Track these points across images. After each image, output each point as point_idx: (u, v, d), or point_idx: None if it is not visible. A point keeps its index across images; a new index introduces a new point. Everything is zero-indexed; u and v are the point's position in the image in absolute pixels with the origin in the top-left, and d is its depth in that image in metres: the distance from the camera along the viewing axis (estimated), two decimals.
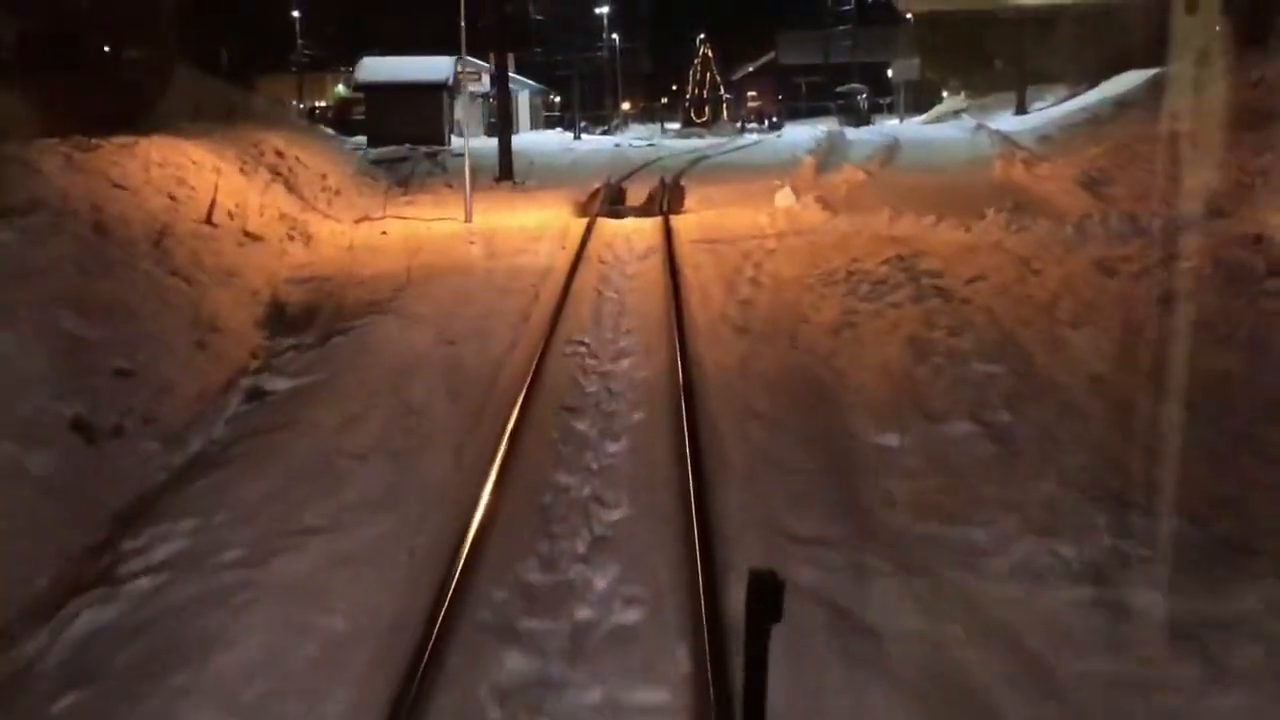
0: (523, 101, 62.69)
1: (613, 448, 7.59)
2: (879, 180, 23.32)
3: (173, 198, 15.58)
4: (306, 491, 6.66)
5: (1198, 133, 19.05)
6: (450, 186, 24.52)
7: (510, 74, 63.55)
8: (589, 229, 17.43)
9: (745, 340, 10.27)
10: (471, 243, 16.65)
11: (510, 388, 8.78)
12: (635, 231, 17.48)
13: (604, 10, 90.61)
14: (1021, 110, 43.69)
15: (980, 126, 37.32)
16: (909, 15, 78.39)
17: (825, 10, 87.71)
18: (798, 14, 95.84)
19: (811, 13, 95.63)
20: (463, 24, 20.37)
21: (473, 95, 56.87)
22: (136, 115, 20.96)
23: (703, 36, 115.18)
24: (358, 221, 19.41)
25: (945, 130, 41.10)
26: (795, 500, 6.50)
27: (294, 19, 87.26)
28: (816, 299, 11.92)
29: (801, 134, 45.18)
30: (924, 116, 61.92)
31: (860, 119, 68.07)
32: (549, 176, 26.88)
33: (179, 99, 24.36)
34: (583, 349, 10.20)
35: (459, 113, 61.26)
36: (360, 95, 52.06)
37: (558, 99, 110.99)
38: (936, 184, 22.19)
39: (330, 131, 43.73)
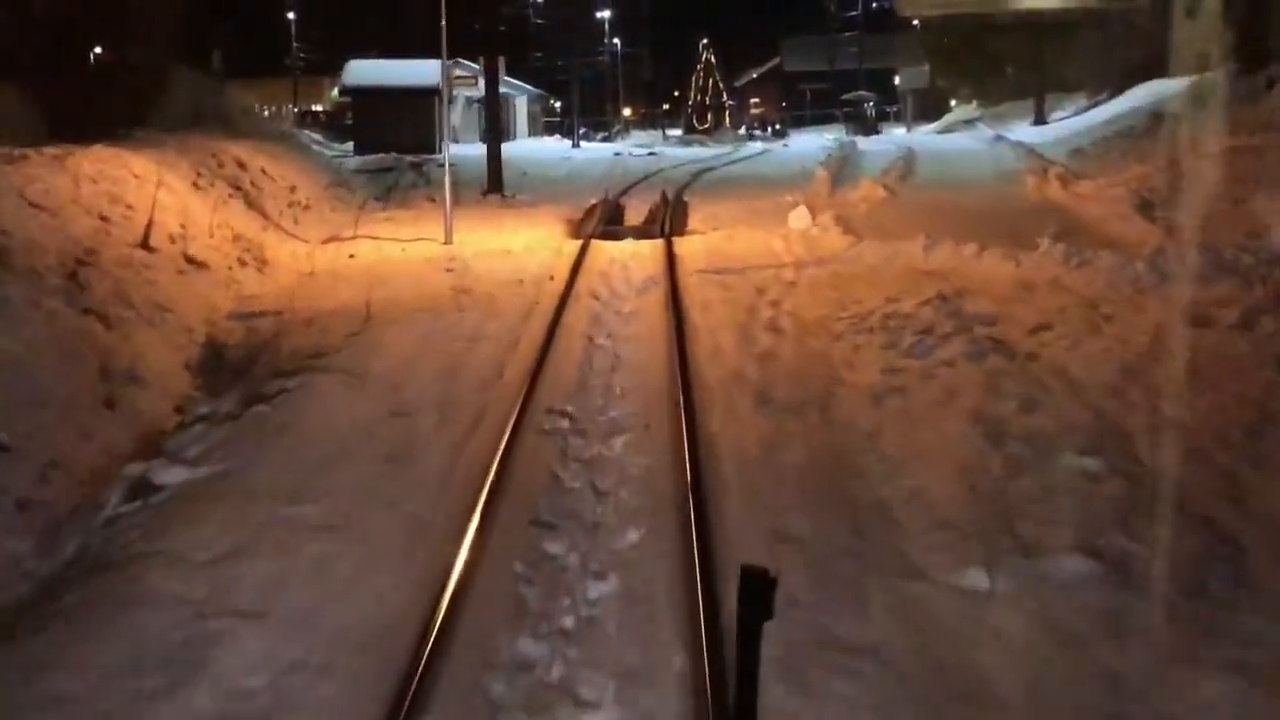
0: (519, 107, 60.72)
1: (596, 591, 5.53)
2: (901, 198, 21.28)
3: (104, 218, 13.53)
4: (151, 685, 4.59)
5: (1266, 149, 17.03)
6: (434, 200, 22.46)
7: (506, 78, 61.51)
8: (582, 254, 15.39)
9: (767, 413, 8.21)
10: (449, 269, 14.59)
11: (467, 489, 6.72)
12: (633, 257, 15.43)
13: (605, 14, 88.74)
14: (1040, 120, 41.69)
15: (999, 137, 35.31)
16: (915, 21, 76.70)
17: (831, 16, 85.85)
18: (803, 20, 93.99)
19: (817, 19, 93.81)
20: (444, 24, 18.31)
21: (468, 101, 54.71)
22: (99, 120, 19.01)
23: (705, 42, 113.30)
24: (325, 242, 17.36)
25: (961, 141, 39.05)
26: (857, 704, 4.44)
27: (289, 21, 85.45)
28: (849, 351, 9.87)
29: (809, 143, 43.19)
30: (934, 125, 59.91)
31: (868, 127, 66.09)
32: (542, 189, 24.83)
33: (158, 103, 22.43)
34: (565, 423, 8.14)
35: (455, 119, 59.10)
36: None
37: (558, 104, 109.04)
38: (966, 203, 20.16)
39: (316, 137, 41.74)
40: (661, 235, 17.24)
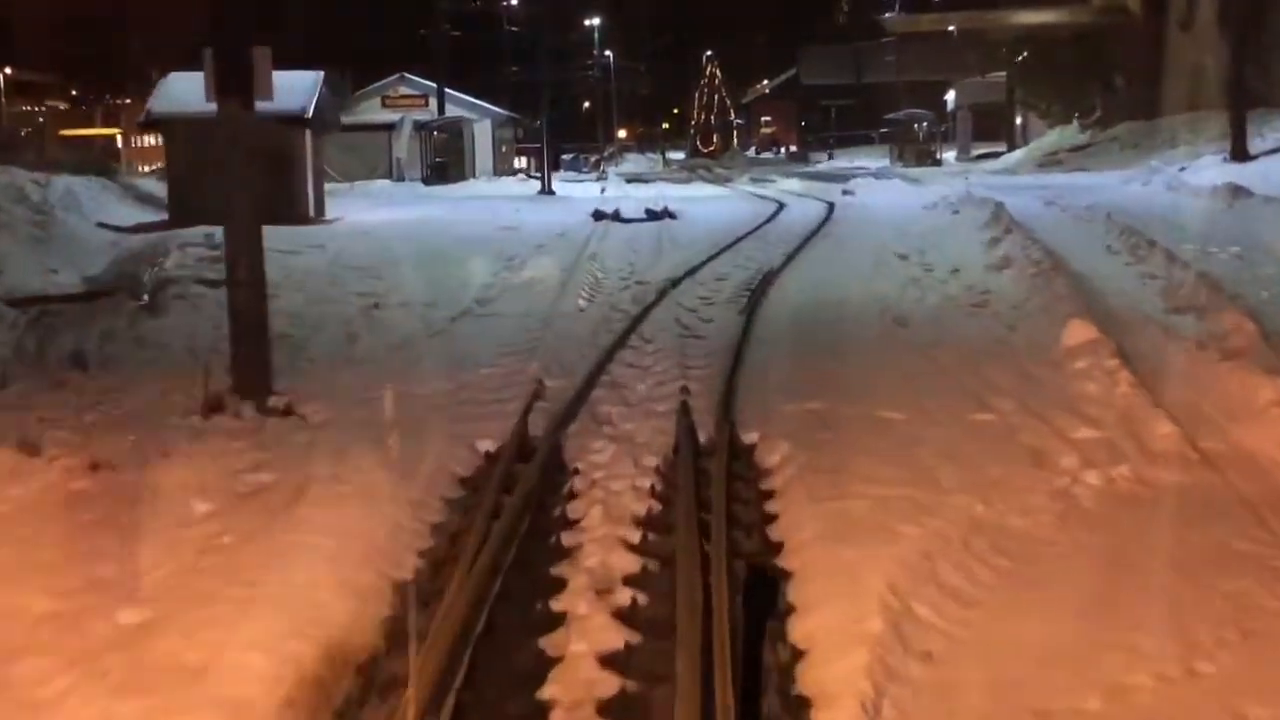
0: (480, 135, 46.20)
1: None
2: None
3: None
4: None
5: None
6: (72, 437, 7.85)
7: (462, 96, 46.93)
8: None
9: None
10: None
11: None
12: None
13: (595, 22, 74.45)
14: (1241, 153, 26.97)
15: (1238, 190, 20.67)
16: (951, 29, 62.97)
17: (859, 22, 71.20)
18: (822, 27, 79.43)
19: (841, 25, 79.28)
20: None
21: (416, 126, 40.26)
22: None
23: (710, 54, 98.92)
24: None
25: (1138, 190, 24.45)
26: None
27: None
28: None
29: (888, 194, 28.48)
30: (1017, 155, 44.83)
31: (921, 155, 51.58)
32: (379, 373, 9.94)
33: None
34: None
35: (400, 150, 44.60)
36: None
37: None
38: None
39: (153, 190, 27.15)
40: None
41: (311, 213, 22.99)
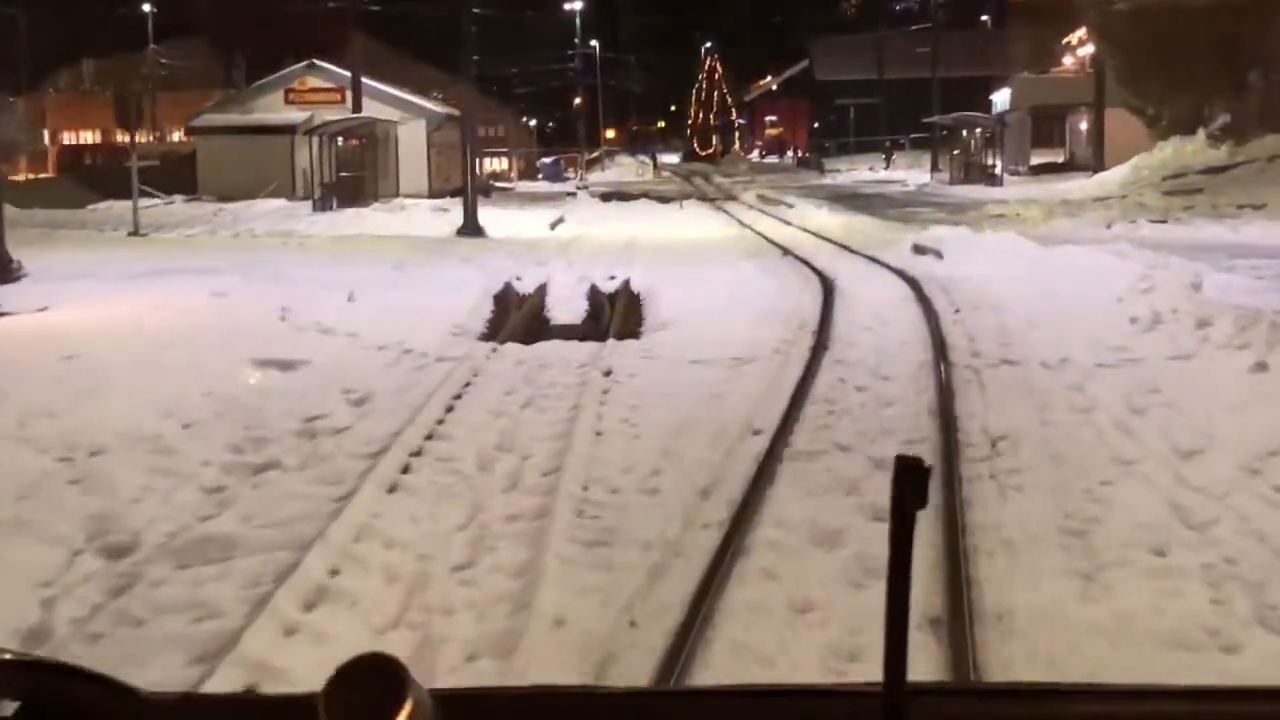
0: (408, 139, 34.90)
1: None
2: None
3: None
4: None
5: None
6: None
7: (381, 87, 36.17)
8: None
9: None
10: None
11: None
12: None
13: (578, 6, 63.23)
14: None
15: None
16: (985, 18, 52.67)
17: (884, 8, 59.77)
18: (841, 14, 68.08)
19: (850, 17, 68.01)
20: None
21: (309, 130, 29.32)
22: None
23: (710, 45, 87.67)
24: None
25: None
26: None
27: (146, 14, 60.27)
28: None
29: (1012, 262, 16.87)
30: (1125, 173, 32.79)
31: (969, 169, 40.36)
32: None
33: None
34: None
35: (310, 159, 34.52)
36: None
37: (534, 123, 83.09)
38: None
39: None
40: None
41: None
